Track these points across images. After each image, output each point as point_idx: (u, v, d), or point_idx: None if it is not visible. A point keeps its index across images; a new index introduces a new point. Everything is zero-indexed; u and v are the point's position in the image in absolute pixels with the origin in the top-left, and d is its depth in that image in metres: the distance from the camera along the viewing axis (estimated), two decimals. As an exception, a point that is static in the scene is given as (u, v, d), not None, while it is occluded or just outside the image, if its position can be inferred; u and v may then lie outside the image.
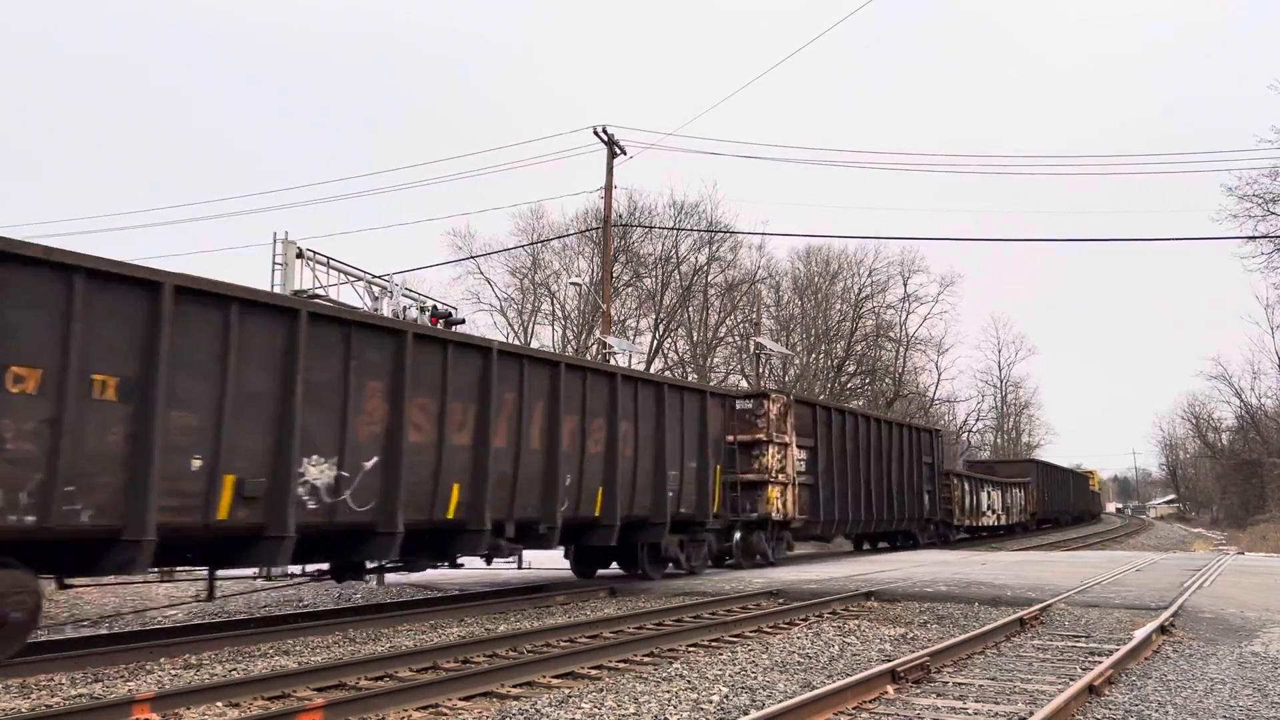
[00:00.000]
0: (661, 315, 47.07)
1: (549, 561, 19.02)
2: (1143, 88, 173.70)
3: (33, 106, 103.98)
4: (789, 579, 15.80)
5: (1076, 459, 64.38)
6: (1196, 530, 68.80)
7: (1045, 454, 75.81)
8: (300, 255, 19.68)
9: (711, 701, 6.76)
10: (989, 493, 36.04)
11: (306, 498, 9.66)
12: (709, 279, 48.16)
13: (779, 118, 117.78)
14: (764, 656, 8.79)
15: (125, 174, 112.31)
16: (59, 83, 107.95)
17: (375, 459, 10.41)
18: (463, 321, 28.22)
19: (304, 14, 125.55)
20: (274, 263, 19.51)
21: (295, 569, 15.17)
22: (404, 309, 21.97)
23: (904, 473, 26.40)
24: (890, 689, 7.07)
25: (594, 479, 13.90)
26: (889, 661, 7.87)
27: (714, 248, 47.73)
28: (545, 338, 50.86)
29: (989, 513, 35.60)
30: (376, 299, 21.61)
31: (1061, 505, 53.90)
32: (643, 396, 14.98)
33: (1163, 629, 9.94)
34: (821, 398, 36.16)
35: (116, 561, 8.27)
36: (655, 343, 47.24)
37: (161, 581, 15.10)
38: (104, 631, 10.90)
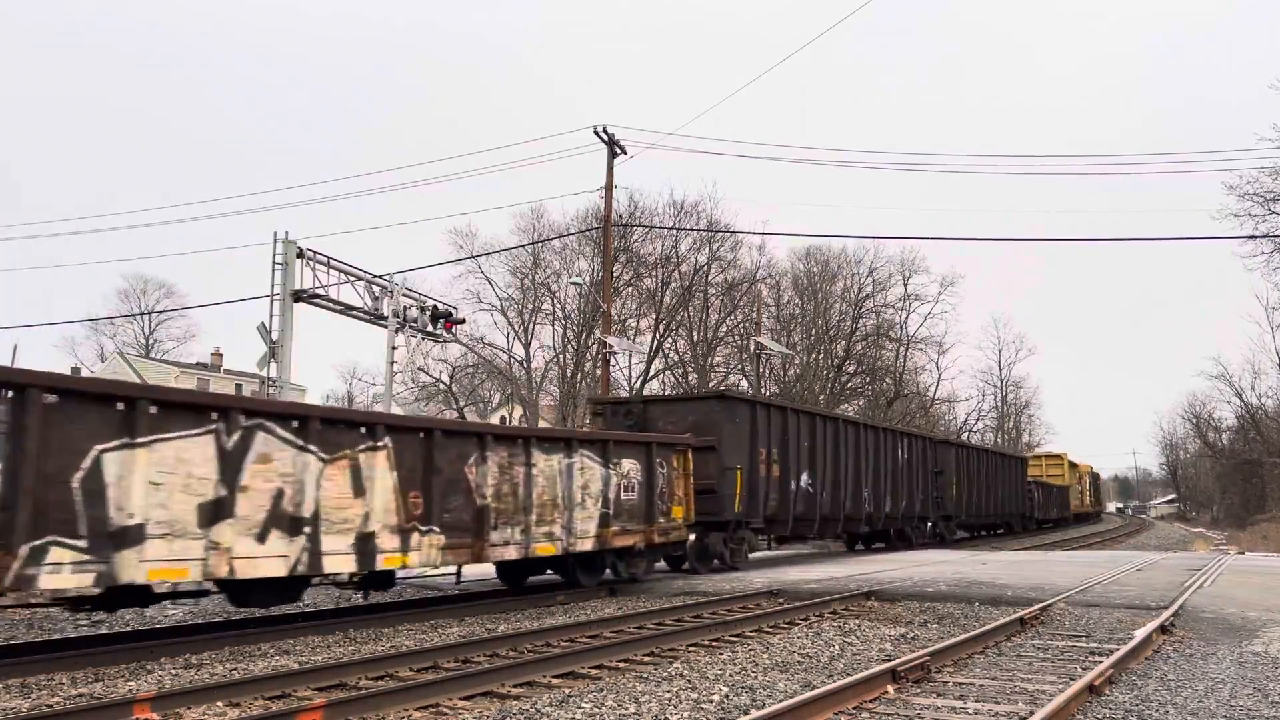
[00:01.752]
0: (662, 315, 47.02)
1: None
2: (1142, 89, 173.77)
3: (30, 106, 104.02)
4: (790, 579, 15.80)
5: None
6: (1197, 530, 68.73)
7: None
8: (300, 255, 19.69)
9: (712, 701, 6.76)
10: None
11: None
12: (709, 279, 48.10)
13: (779, 118, 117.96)
14: (764, 656, 8.79)
15: (125, 174, 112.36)
16: (57, 82, 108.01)
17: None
18: (463, 321, 28.26)
19: (303, 14, 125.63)
20: (274, 262, 19.53)
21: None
22: (404, 309, 21.96)
23: None
24: (891, 689, 7.07)
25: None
26: (889, 661, 7.87)
27: (714, 247, 47.68)
28: (545, 337, 50.92)
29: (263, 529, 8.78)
30: (377, 299, 21.62)
31: (862, 505, 23.13)
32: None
33: (1163, 629, 9.94)
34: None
35: None
36: (655, 343, 47.22)
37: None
38: (104, 631, 10.91)
